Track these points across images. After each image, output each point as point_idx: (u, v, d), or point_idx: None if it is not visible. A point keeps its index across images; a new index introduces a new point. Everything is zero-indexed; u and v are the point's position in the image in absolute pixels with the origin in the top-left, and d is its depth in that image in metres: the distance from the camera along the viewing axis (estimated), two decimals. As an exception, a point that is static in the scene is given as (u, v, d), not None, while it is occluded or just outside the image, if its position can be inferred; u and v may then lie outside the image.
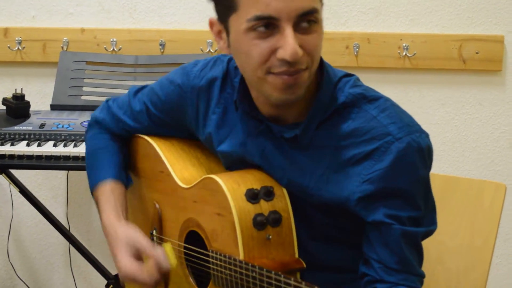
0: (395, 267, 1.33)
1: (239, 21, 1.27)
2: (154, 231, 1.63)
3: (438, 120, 2.78)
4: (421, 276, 1.38)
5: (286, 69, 1.26)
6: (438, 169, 2.78)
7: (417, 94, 2.78)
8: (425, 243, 1.39)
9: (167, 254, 1.44)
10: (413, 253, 1.35)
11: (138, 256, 1.45)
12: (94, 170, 1.65)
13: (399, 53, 2.70)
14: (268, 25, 1.25)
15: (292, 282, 1.20)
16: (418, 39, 2.70)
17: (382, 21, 2.74)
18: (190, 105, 1.52)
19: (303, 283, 1.18)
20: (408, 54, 2.70)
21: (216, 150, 1.50)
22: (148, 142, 1.65)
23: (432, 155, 1.35)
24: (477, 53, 2.70)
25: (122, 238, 1.47)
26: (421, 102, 2.77)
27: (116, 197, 1.59)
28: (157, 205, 1.63)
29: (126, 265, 1.43)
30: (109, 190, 1.59)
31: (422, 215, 1.34)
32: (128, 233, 1.48)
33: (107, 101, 1.72)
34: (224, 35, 1.34)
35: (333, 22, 2.74)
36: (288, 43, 1.23)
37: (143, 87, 1.65)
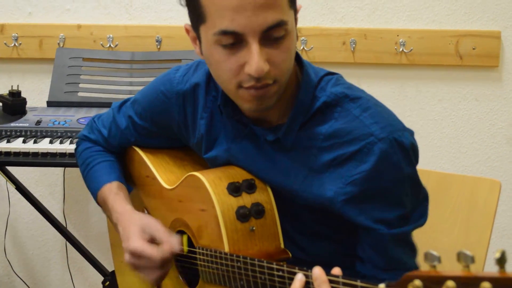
0: (385, 267, 1.34)
1: (208, 33, 1.26)
2: None
3: (435, 116, 2.77)
4: (413, 269, 1.37)
5: (253, 84, 1.25)
6: (435, 165, 2.80)
7: (414, 90, 2.77)
8: (420, 241, 1.39)
9: (183, 242, 1.44)
10: (403, 250, 1.36)
11: (152, 242, 1.43)
12: (95, 176, 1.64)
13: (395, 49, 2.70)
14: (234, 39, 1.23)
15: (274, 266, 1.22)
16: (415, 34, 2.70)
17: (378, 16, 2.73)
18: (176, 111, 1.51)
19: (284, 265, 1.19)
20: (405, 50, 2.69)
21: (203, 156, 1.50)
22: (132, 148, 1.66)
23: (417, 152, 1.33)
24: (474, 49, 2.70)
25: (137, 223, 1.45)
26: (418, 98, 2.77)
27: (125, 193, 1.59)
28: (146, 211, 1.64)
29: (135, 241, 1.41)
30: (116, 187, 1.59)
31: (411, 212, 1.34)
32: (144, 219, 1.47)
33: (93, 118, 1.71)
34: (198, 41, 1.33)
35: (329, 18, 2.73)
36: (253, 59, 1.22)
37: (126, 101, 1.65)
